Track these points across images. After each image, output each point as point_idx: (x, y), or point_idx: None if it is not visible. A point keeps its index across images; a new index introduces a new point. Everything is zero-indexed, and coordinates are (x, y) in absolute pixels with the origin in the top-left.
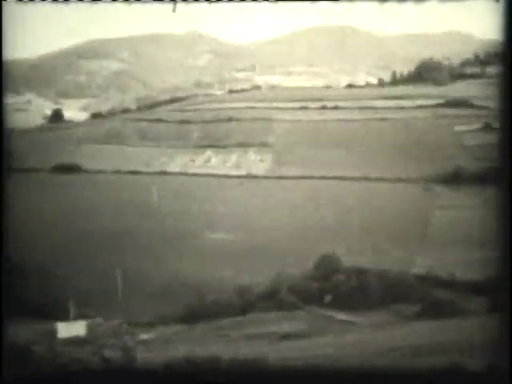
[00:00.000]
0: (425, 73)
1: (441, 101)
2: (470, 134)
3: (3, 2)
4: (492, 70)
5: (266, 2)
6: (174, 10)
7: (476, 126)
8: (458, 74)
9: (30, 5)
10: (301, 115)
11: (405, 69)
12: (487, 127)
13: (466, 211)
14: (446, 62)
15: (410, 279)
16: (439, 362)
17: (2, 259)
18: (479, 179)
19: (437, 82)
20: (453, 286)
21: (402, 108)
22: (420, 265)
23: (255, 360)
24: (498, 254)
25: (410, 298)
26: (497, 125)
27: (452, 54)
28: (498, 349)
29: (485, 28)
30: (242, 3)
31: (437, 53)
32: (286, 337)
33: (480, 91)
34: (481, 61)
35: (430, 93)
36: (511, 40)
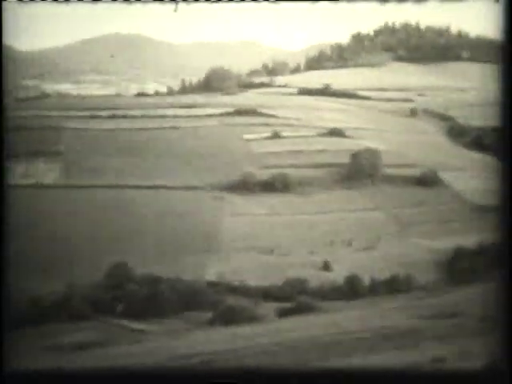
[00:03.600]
0: (214, 81)
1: (229, 109)
2: (259, 142)
3: (3, 2)
4: (280, 79)
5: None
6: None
7: (264, 134)
8: (246, 83)
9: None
10: (91, 124)
11: (195, 77)
12: (275, 136)
13: (254, 218)
14: (234, 71)
15: (202, 287)
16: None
17: None
18: (268, 187)
19: (226, 91)
20: (244, 293)
21: (192, 116)
22: (212, 272)
23: (50, 371)
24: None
25: (203, 305)
26: (285, 133)
27: (242, 63)
28: (498, 349)
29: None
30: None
31: (227, 62)
32: (80, 347)
33: (268, 100)
34: (269, 70)
35: (219, 101)
36: (511, 40)
